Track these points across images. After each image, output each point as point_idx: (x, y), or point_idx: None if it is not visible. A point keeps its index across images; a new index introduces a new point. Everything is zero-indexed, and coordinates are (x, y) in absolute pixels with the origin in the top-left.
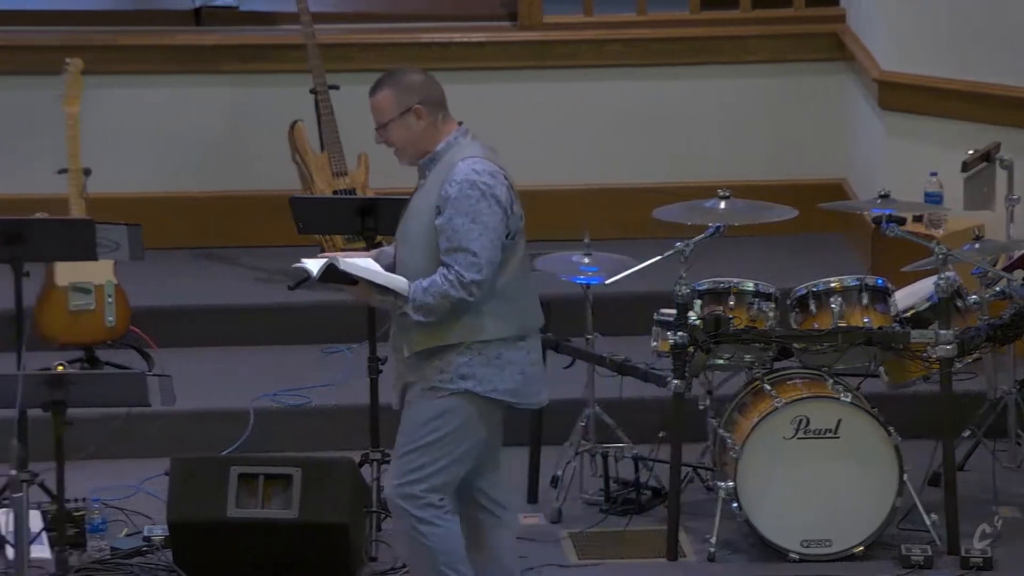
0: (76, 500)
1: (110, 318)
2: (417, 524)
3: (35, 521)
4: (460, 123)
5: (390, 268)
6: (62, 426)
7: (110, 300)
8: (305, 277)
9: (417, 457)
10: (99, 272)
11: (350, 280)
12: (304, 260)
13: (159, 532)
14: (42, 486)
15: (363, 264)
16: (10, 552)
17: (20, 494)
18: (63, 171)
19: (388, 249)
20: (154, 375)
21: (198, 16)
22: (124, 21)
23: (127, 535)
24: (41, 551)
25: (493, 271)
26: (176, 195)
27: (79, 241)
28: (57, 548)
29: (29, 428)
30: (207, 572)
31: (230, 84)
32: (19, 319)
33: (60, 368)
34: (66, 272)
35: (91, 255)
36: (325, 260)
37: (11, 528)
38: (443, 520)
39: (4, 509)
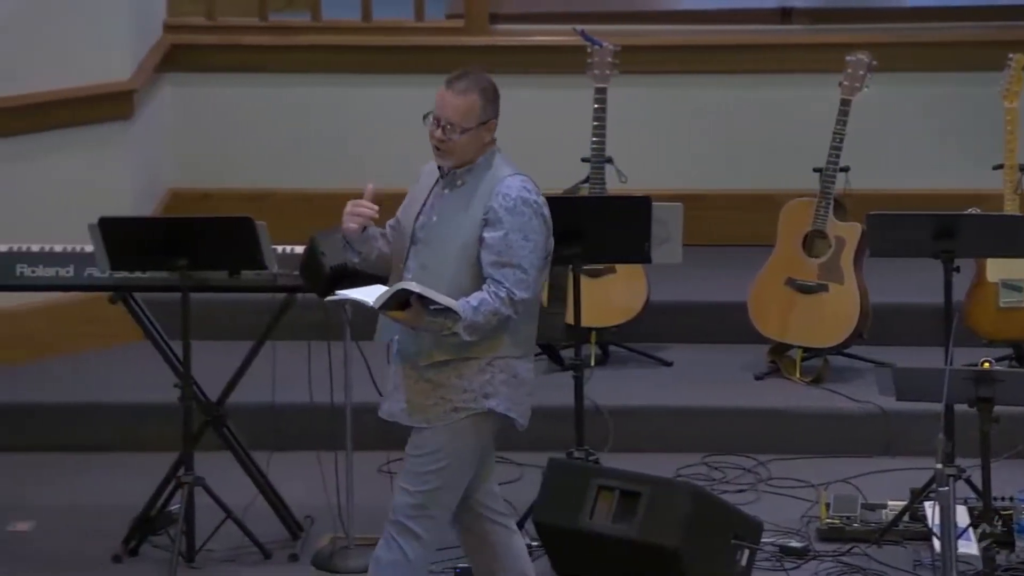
0: (1003, 498)
1: None
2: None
3: (961, 516)
4: (494, 139)
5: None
6: (988, 422)
7: None
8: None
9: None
10: None
11: (403, 305)
12: (345, 291)
13: None
14: (968, 482)
15: (418, 286)
16: (936, 545)
17: (946, 488)
18: (998, 167)
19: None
20: None
21: None
22: None
23: None
24: (967, 547)
25: (537, 290)
26: None
27: (1017, 238)
28: (983, 545)
29: (955, 423)
30: None
31: None
32: (947, 314)
33: (986, 365)
34: (996, 268)
35: (1020, 252)
36: (395, 287)
37: (937, 521)
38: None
39: (930, 502)
